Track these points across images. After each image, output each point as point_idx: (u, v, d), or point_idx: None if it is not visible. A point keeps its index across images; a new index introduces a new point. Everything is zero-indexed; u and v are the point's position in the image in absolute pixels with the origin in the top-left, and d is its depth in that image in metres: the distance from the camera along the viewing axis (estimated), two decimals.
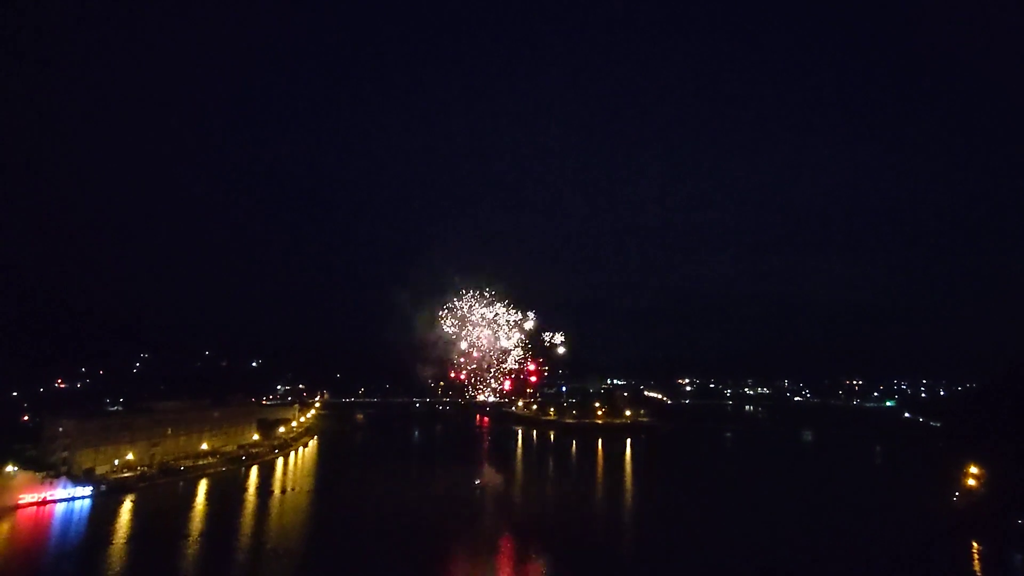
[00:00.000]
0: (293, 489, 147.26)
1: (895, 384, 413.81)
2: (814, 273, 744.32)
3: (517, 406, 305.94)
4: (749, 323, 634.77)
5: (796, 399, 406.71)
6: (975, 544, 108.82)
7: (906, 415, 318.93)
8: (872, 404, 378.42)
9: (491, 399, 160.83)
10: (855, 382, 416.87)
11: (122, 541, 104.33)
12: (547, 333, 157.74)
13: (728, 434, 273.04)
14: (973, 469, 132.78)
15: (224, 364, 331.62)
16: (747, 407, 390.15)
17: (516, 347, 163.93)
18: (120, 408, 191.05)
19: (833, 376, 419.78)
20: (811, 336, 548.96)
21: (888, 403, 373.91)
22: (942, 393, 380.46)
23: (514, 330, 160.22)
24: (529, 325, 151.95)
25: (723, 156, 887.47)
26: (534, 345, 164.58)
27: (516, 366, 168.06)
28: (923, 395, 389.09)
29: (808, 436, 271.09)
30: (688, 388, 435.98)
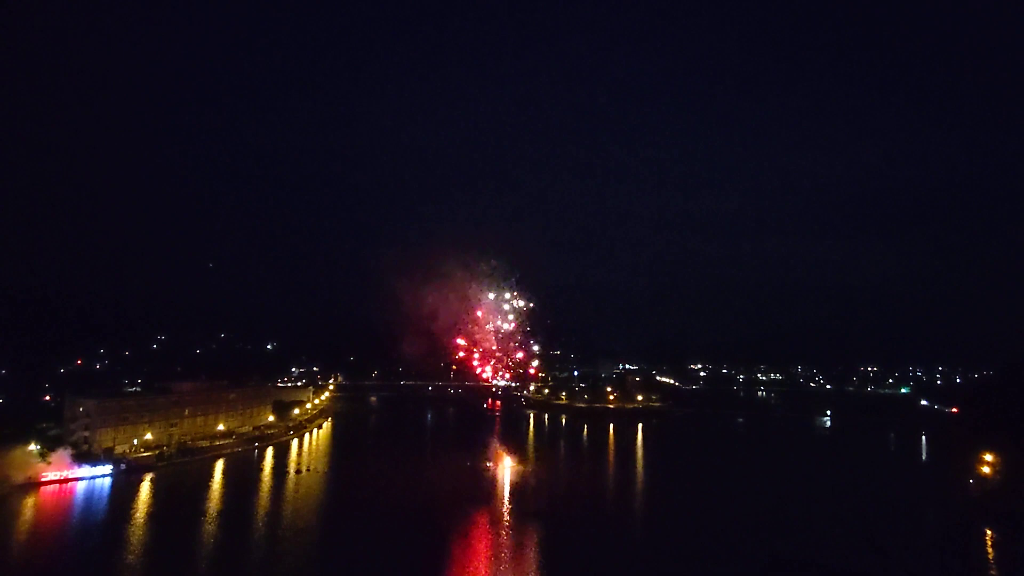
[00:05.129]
0: (308, 469, 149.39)
1: (910, 371, 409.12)
2: (829, 258, 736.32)
3: (528, 390, 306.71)
4: (762, 309, 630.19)
5: (810, 385, 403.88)
6: (989, 531, 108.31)
7: (923, 402, 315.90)
8: (887, 391, 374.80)
9: (503, 383, 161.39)
10: (870, 368, 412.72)
11: (142, 519, 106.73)
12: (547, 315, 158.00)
13: (740, 420, 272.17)
14: (988, 456, 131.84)
15: (240, 346, 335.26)
16: (760, 393, 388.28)
17: (525, 331, 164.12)
18: (138, 389, 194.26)
19: (847, 362, 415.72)
20: (825, 322, 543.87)
21: (903, 390, 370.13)
22: (958, 380, 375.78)
23: (524, 315, 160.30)
24: (539, 309, 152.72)
25: (737, 140, 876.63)
26: (541, 328, 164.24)
27: (524, 350, 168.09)
28: (939, 382, 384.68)
29: (821, 422, 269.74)
30: (701, 373, 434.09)
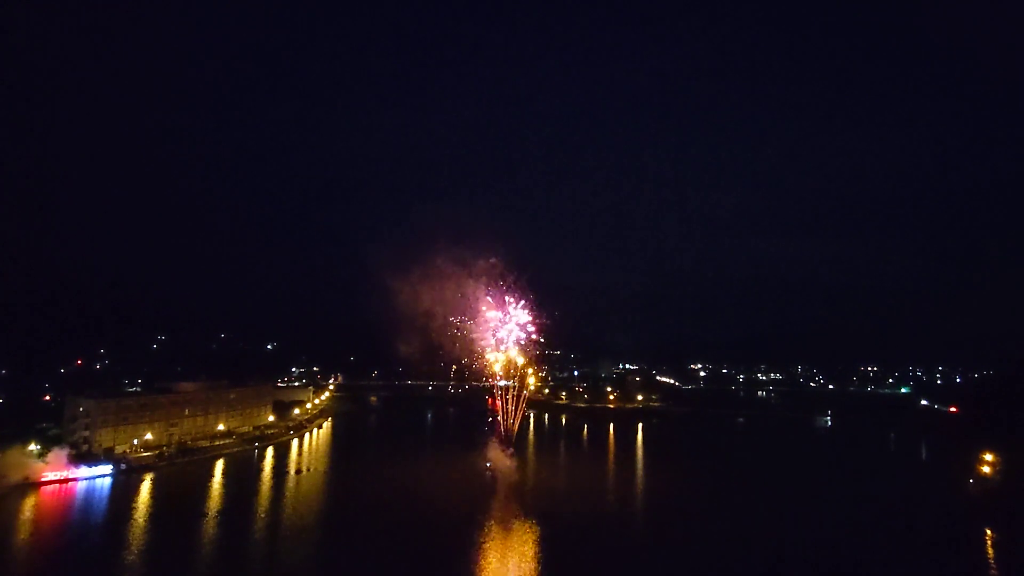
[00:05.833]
0: (308, 469, 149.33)
1: (910, 371, 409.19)
2: (829, 259, 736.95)
3: (529, 390, 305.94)
4: (763, 308, 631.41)
5: (810, 385, 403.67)
6: (989, 531, 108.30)
7: (923, 402, 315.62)
8: (887, 391, 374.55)
9: (503, 383, 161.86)
10: (870, 368, 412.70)
11: (142, 519, 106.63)
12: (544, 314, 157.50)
13: (740, 420, 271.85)
14: (988, 456, 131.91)
15: (240, 346, 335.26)
16: (760, 393, 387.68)
17: (526, 331, 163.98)
18: (139, 389, 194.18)
19: (847, 362, 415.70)
20: (826, 322, 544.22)
21: (903, 390, 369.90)
22: (958, 380, 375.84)
23: (524, 314, 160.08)
24: (539, 309, 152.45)
25: (738, 140, 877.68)
26: (542, 328, 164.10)
27: (524, 350, 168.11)
28: (939, 382, 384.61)
29: (822, 422, 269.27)
30: (701, 373, 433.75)
